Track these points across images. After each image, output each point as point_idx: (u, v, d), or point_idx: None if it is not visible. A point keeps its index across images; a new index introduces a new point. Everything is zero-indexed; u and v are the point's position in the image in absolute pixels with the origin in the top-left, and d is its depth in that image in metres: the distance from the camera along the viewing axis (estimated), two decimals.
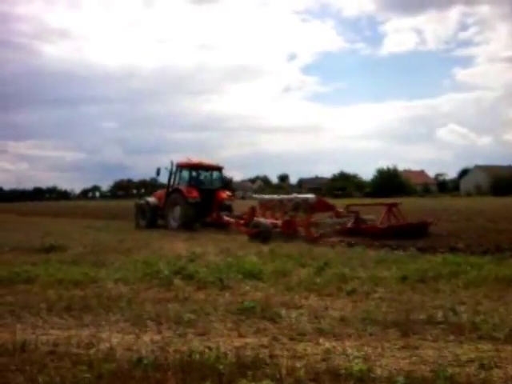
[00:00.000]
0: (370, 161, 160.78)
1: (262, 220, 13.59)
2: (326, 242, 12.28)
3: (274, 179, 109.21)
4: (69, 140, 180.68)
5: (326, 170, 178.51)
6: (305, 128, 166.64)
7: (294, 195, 15.02)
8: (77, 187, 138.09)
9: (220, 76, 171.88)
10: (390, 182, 78.98)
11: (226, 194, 18.33)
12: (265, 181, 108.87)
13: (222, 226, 16.36)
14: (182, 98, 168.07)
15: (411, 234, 12.37)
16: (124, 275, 7.62)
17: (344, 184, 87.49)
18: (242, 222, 14.91)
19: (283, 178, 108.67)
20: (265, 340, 4.48)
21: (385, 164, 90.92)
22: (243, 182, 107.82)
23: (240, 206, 19.42)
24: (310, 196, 13.96)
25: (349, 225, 13.44)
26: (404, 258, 9.13)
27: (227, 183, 20.68)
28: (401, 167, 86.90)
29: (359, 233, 12.83)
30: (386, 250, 10.25)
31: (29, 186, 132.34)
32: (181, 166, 18.51)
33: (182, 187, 17.69)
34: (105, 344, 4.36)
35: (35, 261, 9.42)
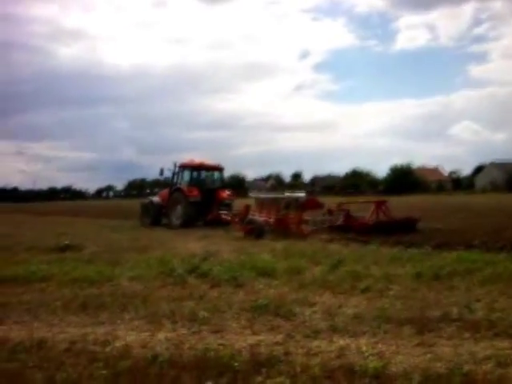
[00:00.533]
0: (383, 158, 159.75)
1: (255, 217, 14.22)
2: (315, 237, 12.58)
3: (288, 177, 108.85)
4: (83, 140, 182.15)
5: (339, 168, 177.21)
6: (317, 126, 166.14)
7: (286, 194, 15.64)
8: (91, 187, 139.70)
9: (233, 75, 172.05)
10: (404, 180, 78.35)
11: (226, 193, 18.91)
12: (278, 179, 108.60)
13: (222, 224, 16.74)
14: (196, 97, 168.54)
15: (398, 229, 12.84)
16: (139, 273, 7.68)
17: (357, 182, 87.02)
18: (237, 219, 15.39)
19: (296, 176, 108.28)
20: (279, 337, 4.48)
21: (398, 161, 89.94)
22: (256, 180, 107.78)
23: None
24: (301, 195, 14.69)
25: (339, 221, 13.91)
26: (418, 255, 9.05)
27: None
28: (415, 164, 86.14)
29: (348, 229, 13.28)
30: (399, 248, 10.17)
31: (44, 186, 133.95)
32: (183, 167, 19.20)
33: (184, 187, 18.36)
34: (120, 342, 4.40)
35: (51, 260, 9.53)
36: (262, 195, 16.59)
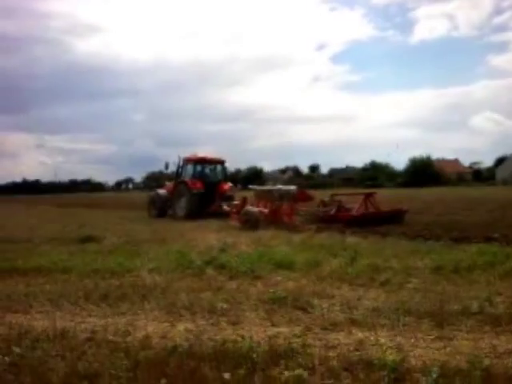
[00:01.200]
0: (403, 150, 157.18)
1: (251, 209, 14.90)
2: (305, 228, 13.22)
3: (305, 169, 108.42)
4: (102, 133, 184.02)
5: (358, 160, 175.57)
6: (335, 118, 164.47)
7: (279, 187, 16.49)
8: (110, 179, 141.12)
9: (249, 67, 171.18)
10: (423, 172, 77.37)
11: (227, 185, 19.74)
12: (295, 171, 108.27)
13: (222, 215, 17.29)
14: (212, 90, 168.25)
15: (385, 221, 13.45)
16: (158, 265, 7.75)
17: (375, 174, 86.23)
18: (234, 210, 16.06)
19: (314, 169, 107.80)
20: (297, 330, 4.49)
21: (417, 153, 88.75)
22: (274, 172, 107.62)
23: None
24: (292, 187, 15.27)
25: (331, 212, 14.54)
26: (438, 248, 8.97)
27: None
28: (434, 156, 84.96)
29: (336, 220, 13.82)
30: (419, 241, 10.08)
31: (65, 178, 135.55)
32: (187, 161, 20.13)
33: (188, 179, 19.23)
34: (141, 332, 4.46)
35: (72, 251, 9.70)
36: (259, 188, 17.27)
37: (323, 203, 15.41)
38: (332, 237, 11.14)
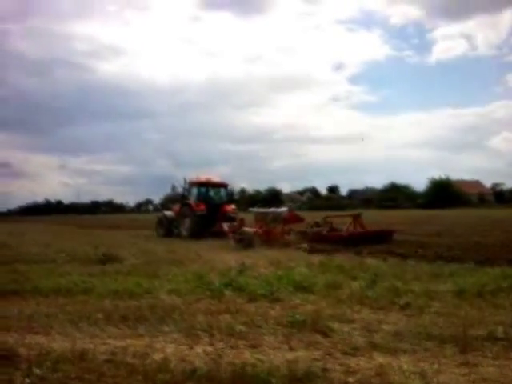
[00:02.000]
0: (420, 171, 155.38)
1: (246, 229, 16.16)
2: (296, 247, 14.25)
3: (324, 190, 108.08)
4: (122, 154, 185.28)
5: (376, 181, 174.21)
6: (353, 138, 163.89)
7: (272, 209, 17.98)
8: (131, 200, 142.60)
9: (267, 87, 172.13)
10: (444, 193, 76.46)
11: (230, 207, 20.88)
12: (314, 192, 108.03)
13: (224, 235, 17.97)
14: (230, 111, 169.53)
15: (373, 240, 14.24)
16: (177, 286, 7.75)
17: (395, 195, 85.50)
18: (231, 230, 17.12)
19: (332, 190, 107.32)
20: (317, 354, 4.42)
21: (436, 174, 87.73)
22: (292, 194, 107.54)
23: None
24: (284, 210, 17.08)
25: (323, 232, 15.80)
26: (460, 270, 8.80)
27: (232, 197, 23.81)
28: (453, 177, 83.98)
29: (327, 239, 14.95)
30: (440, 263, 9.91)
31: (87, 199, 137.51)
32: (192, 184, 21.49)
33: (192, 202, 20.55)
34: (159, 354, 4.44)
35: (92, 272, 9.77)
36: (256, 210, 18.75)
37: (316, 224, 16.74)
38: (351, 259, 11.03)
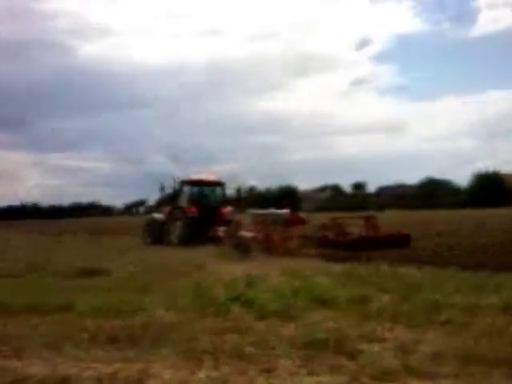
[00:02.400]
0: (463, 164, 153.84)
1: (243, 233, 16.55)
2: (299, 253, 14.67)
3: (348, 188, 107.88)
4: (110, 149, 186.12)
5: (410, 177, 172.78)
6: (382, 127, 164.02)
7: (272, 210, 18.44)
8: (120, 202, 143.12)
9: (280, 70, 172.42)
10: (491, 189, 76.04)
11: (227, 209, 21.16)
12: (336, 190, 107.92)
13: (219, 240, 18.27)
14: (239, 97, 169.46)
15: (386, 245, 14.72)
16: (174, 302, 7.80)
17: (433, 192, 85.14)
18: (227, 235, 17.55)
19: (358, 187, 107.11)
20: (342, 379, 4.45)
21: (481, 167, 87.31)
22: (310, 191, 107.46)
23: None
24: (285, 211, 17.26)
25: (331, 236, 16.19)
26: (508, 282, 8.76)
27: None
28: (502, 170, 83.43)
29: (334, 244, 15.41)
30: (486, 273, 9.88)
31: (68, 201, 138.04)
32: (183, 183, 21.84)
33: (183, 203, 20.94)
34: (155, 381, 4.49)
35: (74, 286, 9.85)
36: (255, 211, 19.10)
37: (324, 226, 17.02)
38: (381, 267, 11.01)
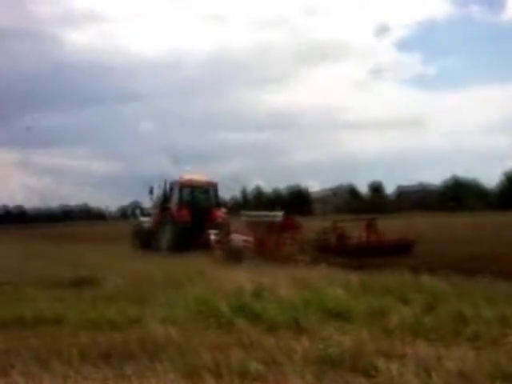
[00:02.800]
0: (493, 162, 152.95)
1: (234, 239, 17.11)
2: (294, 261, 14.70)
3: (364, 189, 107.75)
4: (101, 147, 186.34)
5: (434, 176, 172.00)
6: (403, 122, 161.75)
7: (265, 213, 19.20)
8: (113, 205, 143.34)
9: (289, 59, 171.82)
10: None
11: (220, 212, 21.71)
12: (351, 191, 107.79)
13: (210, 246, 18.64)
14: (242, 90, 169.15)
15: (389, 252, 15.01)
16: (173, 314, 7.82)
17: (460, 193, 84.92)
18: (217, 240, 17.82)
19: (376, 188, 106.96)
20: None
21: None
22: (323, 193, 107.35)
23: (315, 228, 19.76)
24: (278, 214, 17.71)
25: (331, 242, 16.82)
26: None
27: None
28: None
29: (334, 250, 15.91)
30: None
31: (55, 204, 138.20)
32: (173, 184, 22.29)
33: (173, 207, 21.29)
34: None
35: (64, 297, 9.90)
36: (248, 214, 19.65)
37: (324, 231, 17.56)
38: (401, 276, 10.99)
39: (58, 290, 10.95)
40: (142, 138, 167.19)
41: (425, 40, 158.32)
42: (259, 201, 74.33)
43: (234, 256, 15.73)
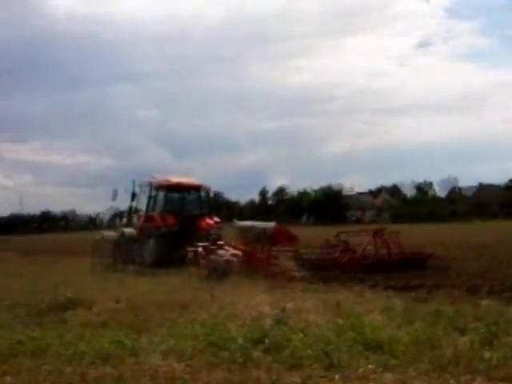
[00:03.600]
0: None
1: (220, 252, 17.39)
2: (289, 277, 15.44)
3: (410, 189, 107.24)
4: (90, 138, 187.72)
5: (497, 174, 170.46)
6: (457, 105, 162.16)
7: (253, 223, 19.72)
8: (103, 209, 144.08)
9: (316, 29, 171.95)
10: None
11: (211, 220, 22.26)
12: (394, 193, 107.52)
13: (193, 262, 18.91)
14: (259, 66, 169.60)
15: (399, 267, 15.81)
16: (177, 345, 7.85)
17: None
18: (203, 254, 18.41)
19: (424, 189, 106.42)
20: None
21: None
22: (360, 195, 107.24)
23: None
24: (270, 224, 18.36)
25: (334, 255, 17.60)
26: None
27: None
28: None
29: (338, 266, 16.58)
30: None
31: (35, 209, 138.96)
32: (156, 187, 22.76)
33: (156, 214, 21.88)
34: None
35: (46, 323, 9.96)
36: (237, 224, 20.18)
37: (327, 243, 18.62)
38: (455, 300, 10.95)
39: (38, 315, 10.99)
40: (138, 126, 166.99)
41: (481, 6, 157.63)
42: (283, 205, 74.00)
43: (218, 273, 16.20)
